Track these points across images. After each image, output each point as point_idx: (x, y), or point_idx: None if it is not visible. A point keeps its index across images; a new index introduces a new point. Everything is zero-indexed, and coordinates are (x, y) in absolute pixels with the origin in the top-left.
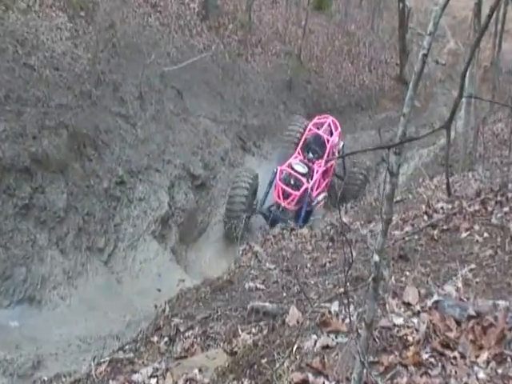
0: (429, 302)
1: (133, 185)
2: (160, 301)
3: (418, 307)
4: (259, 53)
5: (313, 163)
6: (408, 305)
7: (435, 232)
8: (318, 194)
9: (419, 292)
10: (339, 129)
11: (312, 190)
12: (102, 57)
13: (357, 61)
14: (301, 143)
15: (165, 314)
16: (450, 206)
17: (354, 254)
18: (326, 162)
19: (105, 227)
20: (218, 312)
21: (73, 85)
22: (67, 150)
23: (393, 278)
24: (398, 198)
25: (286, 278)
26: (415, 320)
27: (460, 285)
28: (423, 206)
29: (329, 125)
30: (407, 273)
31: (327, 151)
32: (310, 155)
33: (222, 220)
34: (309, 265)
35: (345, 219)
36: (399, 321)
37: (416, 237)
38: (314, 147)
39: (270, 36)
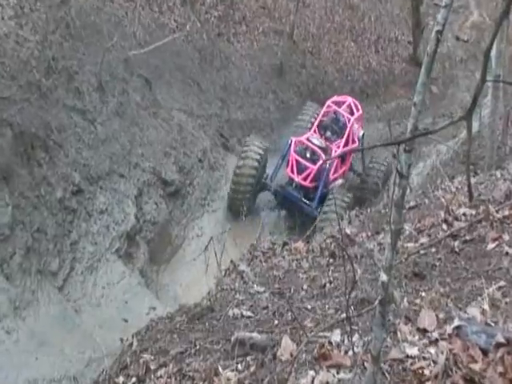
0: (449, 328)
1: (92, 194)
2: (126, 333)
3: (435, 334)
4: (243, 32)
5: (331, 143)
6: (424, 332)
7: (456, 243)
8: (335, 180)
9: (437, 316)
10: (360, 111)
11: (329, 170)
12: (53, 40)
13: (361, 39)
14: (318, 120)
15: (132, 349)
16: (473, 212)
17: (359, 271)
18: (346, 143)
19: (59, 246)
20: (196, 345)
21: (18, 74)
22: (11, 154)
23: (405, 299)
24: (412, 204)
25: (278, 303)
26: (432, 350)
27: (486, 306)
28: (442, 213)
29: (349, 106)
30: (423, 293)
31: (348, 131)
32: (328, 134)
33: (196, 237)
34: (305, 286)
35: (348, 230)
36: (413, 351)
37: (433, 250)
38: (333, 126)
39: (257, 11)
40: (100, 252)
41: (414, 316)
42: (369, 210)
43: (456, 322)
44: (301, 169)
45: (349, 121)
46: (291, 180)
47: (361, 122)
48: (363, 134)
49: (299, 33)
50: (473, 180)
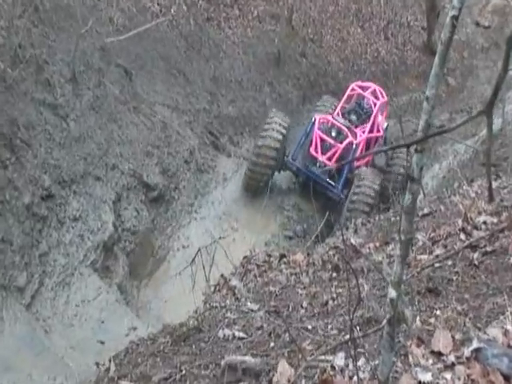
0: (466, 351)
1: (64, 199)
2: (103, 357)
3: (451, 358)
4: (235, 16)
5: (355, 127)
6: (439, 355)
7: (476, 255)
8: (359, 168)
9: (453, 337)
10: (386, 98)
11: (355, 153)
12: (19, 25)
13: (369, 25)
14: (341, 102)
15: (109, 374)
16: (495, 220)
17: (366, 287)
18: (371, 130)
19: (26, 258)
20: (181, 371)
21: None
22: None
23: (418, 318)
24: (426, 211)
25: (274, 323)
26: (448, 375)
27: (509, 326)
28: (459, 221)
29: (373, 92)
30: (437, 311)
31: (374, 116)
32: (353, 117)
33: (187, 245)
34: (305, 304)
35: (353, 240)
36: (427, 377)
37: (450, 262)
38: (357, 110)
39: None
40: (73, 265)
41: (428, 337)
42: (377, 218)
43: (475, 344)
44: (325, 148)
45: (374, 105)
46: (314, 160)
47: (386, 111)
48: (387, 126)
49: (299, 17)
50: (494, 184)
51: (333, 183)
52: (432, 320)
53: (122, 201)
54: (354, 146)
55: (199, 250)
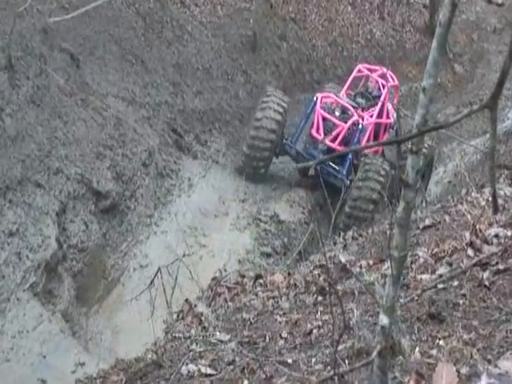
0: None
1: None
2: None
3: None
4: None
5: (362, 111)
6: None
7: (486, 275)
8: (365, 154)
9: (459, 372)
10: (396, 82)
11: (362, 137)
12: None
13: (361, 2)
14: (348, 83)
15: None
16: (509, 233)
17: (357, 313)
18: (380, 114)
19: None
20: None
21: None
22: None
23: (417, 350)
24: (427, 222)
25: (248, 356)
26: None
27: None
28: (467, 234)
29: (383, 75)
30: (440, 341)
31: (383, 98)
32: (360, 100)
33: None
34: (285, 333)
35: (342, 257)
36: None
37: (456, 283)
38: (365, 93)
39: None
40: (9, 288)
41: (429, 371)
42: (370, 231)
43: (484, 380)
44: (328, 128)
45: (383, 87)
46: (316, 142)
47: (396, 97)
48: (398, 116)
49: None
50: (509, 189)
51: (337, 167)
52: (434, 351)
53: (68, 212)
54: (360, 127)
55: (159, 269)
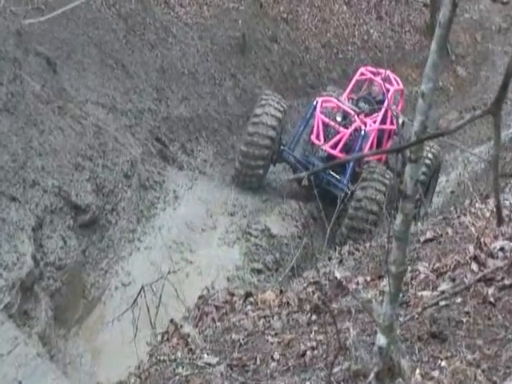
0: None
1: None
2: None
3: None
4: None
5: (365, 116)
6: None
7: (491, 291)
8: (368, 162)
9: None
10: (401, 86)
11: (364, 144)
12: None
13: (357, 1)
14: (349, 87)
15: None
16: None
17: (353, 332)
18: (383, 120)
19: None
20: None
21: None
22: None
23: (417, 371)
24: (429, 235)
25: (238, 380)
26: None
27: None
28: (471, 248)
29: (387, 79)
30: (443, 362)
31: (387, 103)
32: (362, 105)
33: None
34: (277, 355)
35: (338, 273)
36: None
37: (459, 300)
38: (368, 97)
39: None
40: None
41: None
42: (368, 245)
43: None
44: (329, 134)
45: (388, 92)
46: (315, 148)
47: (401, 102)
48: (403, 122)
49: None
50: None
51: (337, 176)
52: (436, 373)
53: (45, 227)
54: (362, 133)
55: (142, 288)
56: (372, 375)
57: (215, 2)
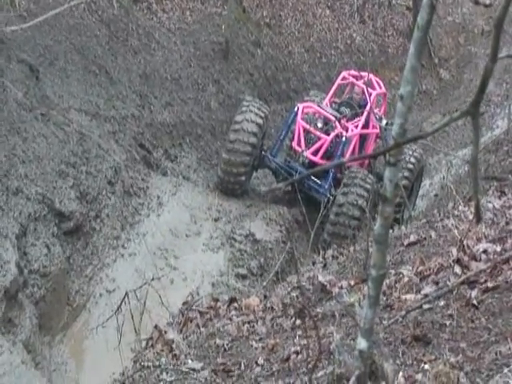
0: None
1: None
2: None
3: None
4: None
5: (347, 121)
6: None
7: (474, 293)
8: (349, 168)
9: None
10: (384, 89)
11: (346, 150)
12: None
13: (340, 5)
14: (331, 92)
15: None
16: (498, 249)
17: (337, 336)
18: (365, 125)
19: None
20: None
21: None
22: None
23: (401, 374)
24: (412, 239)
25: None
26: None
27: None
28: (454, 250)
29: (369, 82)
30: (426, 365)
31: (368, 108)
32: (343, 109)
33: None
34: (261, 360)
35: (321, 277)
36: None
37: (442, 303)
38: (350, 102)
39: None
40: None
41: None
42: (351, 249)
43: None
44: (310, 140)
45: (370, 96)
46: (297, 155)
47: (384, 105)
48: (387, 123)
49: None
50: (498, 202)
51: (319, 182)
52: (419, 376)
53: (28, 235)
54: (343, 139)
55: (126, 294)
56: (353, 379)
57: (198, 7)
